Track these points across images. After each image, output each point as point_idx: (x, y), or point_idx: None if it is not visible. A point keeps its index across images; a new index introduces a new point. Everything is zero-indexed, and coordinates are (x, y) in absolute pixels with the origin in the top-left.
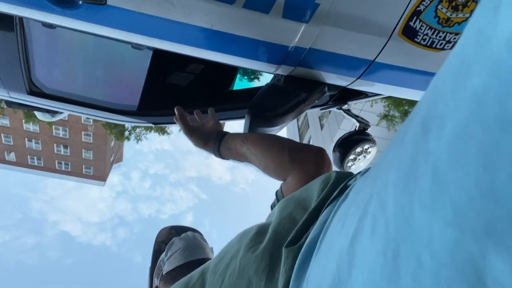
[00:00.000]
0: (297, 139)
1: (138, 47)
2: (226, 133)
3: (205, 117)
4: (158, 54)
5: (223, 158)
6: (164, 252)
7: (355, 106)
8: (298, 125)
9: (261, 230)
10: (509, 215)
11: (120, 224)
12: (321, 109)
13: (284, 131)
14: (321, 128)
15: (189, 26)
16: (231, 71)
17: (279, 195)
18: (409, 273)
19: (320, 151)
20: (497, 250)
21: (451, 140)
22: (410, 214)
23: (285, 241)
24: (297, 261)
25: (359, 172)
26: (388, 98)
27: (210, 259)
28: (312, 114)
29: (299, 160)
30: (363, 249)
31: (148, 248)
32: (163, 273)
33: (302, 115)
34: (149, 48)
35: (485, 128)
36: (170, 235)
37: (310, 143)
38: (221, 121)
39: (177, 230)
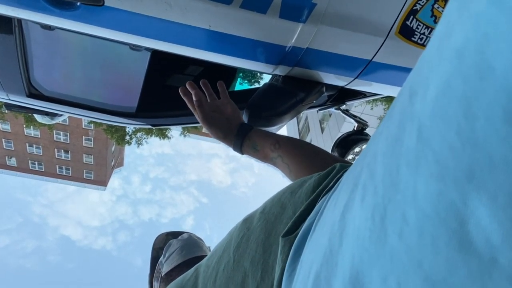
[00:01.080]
0: None
1: (137, 48)
2: (251, 128)
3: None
4: (156, 55)
5: (243, 154)
6: (162, 255)
7: (355, 109)
8: (298, 129)
9: (247, 217)
10: (487, 158)
11: (120, 228)
12: (319, 109)
13: (284, 134)
14: (322, 132)
15: (186, 26)
16: (230, 72)
17: None
18: (396, 232)
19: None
20: (477, 195)
21: (434, 97)
22: (396, 175)
23: (275, 226)
24: (292, 248)
25: None
26: (388, 101)
27: None
28: (313, 117)
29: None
30: (353, 218)
31: (149, 252)
32: (162, 275)
33: (303, 118)
34: (147, 49)
35: (465, 79)
36: (166, 241)
37: None
38: None
39: (173, 235)
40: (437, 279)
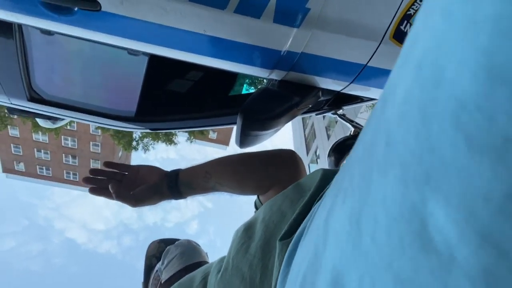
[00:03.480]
0: (303, 149)
1: (134, 53)
2: (177, 172)
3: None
4: (155, 60)
5: (185, 198)
6: (160, 262)
7: (361, 115)
8: (305, 135)
9: (248, 226)
10: (441, 162)
11: (125, 232)
12: (316, 114)
13: (291, 141)
14: (328, 138)
15: (182, 31)
16: (229, 76)
17: (258, 205)
18: (369, 234)
19: (292, 156)
20: (434, 196)
21: (398, 104)
22: (369, 179)
23: (276, 234)
24: (287, 251)
25: None
26: None
27: (207, 262)
28: (319, 124)
29: (275, 173)
30: (334, 221)
31: None
32: (162, 282)
33: (309, 125)
34: (145, 53)
35: (422, 87)
36: (160, 249)
37: (317, 153)
38: (220, 127)
39: (166, 243)
40: (405, 278)
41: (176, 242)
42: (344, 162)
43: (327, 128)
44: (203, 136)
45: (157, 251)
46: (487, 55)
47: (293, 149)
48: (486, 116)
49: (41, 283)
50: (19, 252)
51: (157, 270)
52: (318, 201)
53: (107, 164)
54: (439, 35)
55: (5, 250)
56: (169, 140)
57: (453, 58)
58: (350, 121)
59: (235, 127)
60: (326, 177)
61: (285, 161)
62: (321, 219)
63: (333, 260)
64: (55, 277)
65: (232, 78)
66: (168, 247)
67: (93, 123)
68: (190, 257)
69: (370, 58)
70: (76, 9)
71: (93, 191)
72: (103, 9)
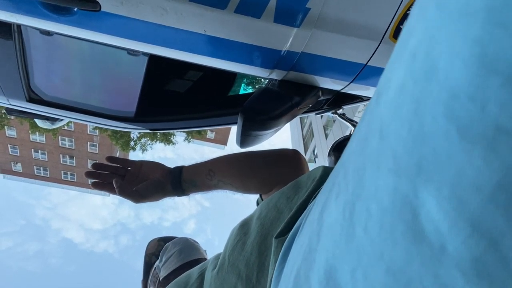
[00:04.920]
0: (301, 148)
1: (134, 53)
2: (181, 169)
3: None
4: (154, 60)
5: (188, 195)
6: (158, 259)
7: (358, 114)
8: (302, 134)
9: (244, 223)
10: (433, 153)
11: (122, 231)
12: (316, 114)
13: (289, 141)
14: (326, 137)
15: (182, 31)
16: (229, 76)
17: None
18: (361, 226)
19: (296, 155)
20: (426, 187)
21: (392, 97)
22: (363, 172)
23: (271, 231)
24: (282, 248)
25: None
26: None
27: (206, 259)
28: (317, 123)
29: (279, 173)
30: (328, 215)
31: None
32: (160, 279)
33: (307, 124)
34: (144, 54)
35: (415, 79)
36: (159, 247)
37: (315, 153)
38: (219, 127)
39: (165, 241)
40: (396, 269)
41: (174, 239)
42: None
43: (325, 127)
44: (201, 136)
45: (156, 249)
46: (479, 45)
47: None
48: (478, 106)
49: (38, 283)
50: (16, 252)
51: (155, 268)
52: (314, 198)
53: (110, 159)
54: (432, 27)
55: (2, 250)
56: (167, 140)
57: (446, 49)
58: (350, 121)
59: (235, 127)
60: (327, 174)
61: (289, 160)
62: (315, 214)
63: (326, 253)
64: (52, 277)
65: (231, 78)
66: (166, 244)
67: (92, 123)
68: (188, 254)
69: (370, 58)
70: (75, 9)
71: (96, 185)
72: (103, 9)
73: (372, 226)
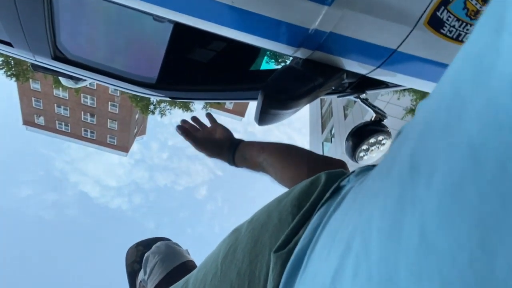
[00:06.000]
0: (319, 127)
1: (160, 19)
2: (241, 141)
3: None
4: (179, 28)
5: (238, 167)
6: (142, 271)
7: (381, 98)
8: (321, 113)
9: (237, 228)
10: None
11: (136, 190)
12: (338, 96)
13: (306, 119)
14: (345, 118)
15: (210, 1)
16: (253, 51)
17: None
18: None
19: (341, 166)
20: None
21: (441, 194)
22: (395, 273)
23: (261, 235)
24: (285, 273)
25: (353, 172)
26: (416, 91)
27: (191, 260)
28: (337, 103)
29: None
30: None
31: (162, 218)
32: None
33: (327, 103)
34: (170, 21)
35: (482, 195)
36: (138, 252)
37: (332, 132)
38: (237, 101)
39: (144, 246)
40: None
41: (153, 247)
42: (372, 148)
43: (345, 107)
44: (219, 105)
45: (136, 255)
46: None
47: (308, 126)
48: None
49: (53, 231)
50: (35, 201)
51: (141, 281)
52: (318, 209)
53: (194, 118)
54: (506, 126)
55: (22, 198)
56: (186, 106)
57: None
58: (372, 107)
59: (254, 103)
60: (329, 181)
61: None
62: (325, 273)
63: None
64: (67, 227)
65: (255, 52)
66: (146, 254)
67: (114, 86)
68: (171, 261)
69: (401, 43)
70: None
71: (182, 130)
72: None
73: None
